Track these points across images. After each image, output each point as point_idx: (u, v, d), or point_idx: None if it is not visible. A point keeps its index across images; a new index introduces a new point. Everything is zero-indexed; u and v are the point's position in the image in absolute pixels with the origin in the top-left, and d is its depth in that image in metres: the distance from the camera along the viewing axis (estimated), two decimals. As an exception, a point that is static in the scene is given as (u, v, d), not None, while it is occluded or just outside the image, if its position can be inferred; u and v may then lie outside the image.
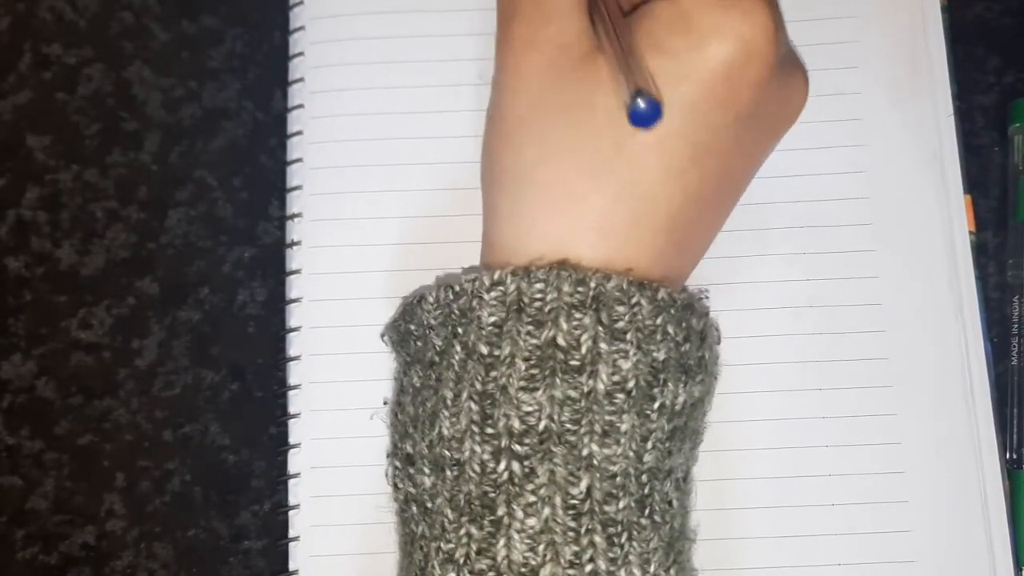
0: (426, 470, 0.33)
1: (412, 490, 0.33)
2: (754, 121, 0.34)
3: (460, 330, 0.33)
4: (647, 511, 0.32)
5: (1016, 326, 0.41)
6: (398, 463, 0.34)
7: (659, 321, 0.32)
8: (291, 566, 0.39)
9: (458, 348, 0.33)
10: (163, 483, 0.41)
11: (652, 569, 0.31)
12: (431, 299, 0.34)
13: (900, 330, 0.40)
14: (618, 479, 0.31)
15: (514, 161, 0.34)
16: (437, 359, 0.33)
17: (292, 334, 0.41)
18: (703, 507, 0.37)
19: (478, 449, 0.31)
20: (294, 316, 0.41)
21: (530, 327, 0.32)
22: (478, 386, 0.32)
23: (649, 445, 0.32)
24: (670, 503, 0.33)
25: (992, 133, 0.43)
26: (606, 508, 0.31)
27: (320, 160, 0.43)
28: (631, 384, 0.31)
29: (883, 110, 0.42)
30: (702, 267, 0.40)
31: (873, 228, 0.41)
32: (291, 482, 0.40)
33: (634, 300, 0.32)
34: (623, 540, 0.31)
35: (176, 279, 0.43)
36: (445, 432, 0.32)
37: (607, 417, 0.31)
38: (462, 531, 0.31)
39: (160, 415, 0.42)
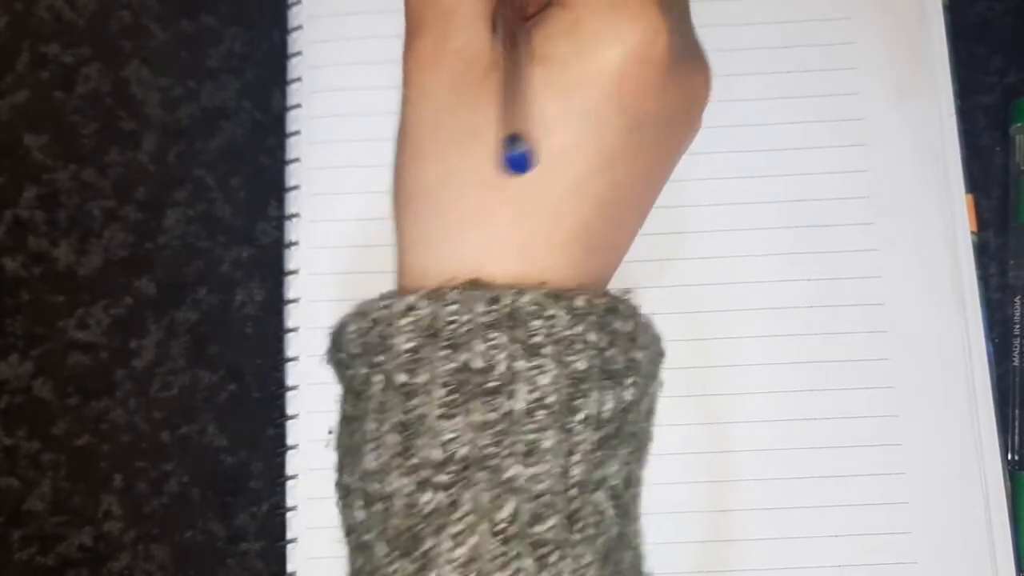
0: (359, 503, 0.32)
1: (351, 522, 0.33)
2: (657, 122, 0.33)
3: (379, 359, 0.32)
4: (579, 525, 0.31)
5: (1017, 327, 0.41)
6: (339, 494, 0.33)
7: (579, 330, 0.31)
8: (289, 568, 0.39)
9: (378, 378, 0.32)
10: (161, 484, 0.41)
11: None
12: (351, 328, 0.33)
13: (901, 330, 0.40)
14: (545, 497, 0.30)
15: (419, 180, 0.34)
16: (362, 388, 0.32)
17: (290, 335, 0.41)
18: (703, 508, 0.37)
19: (402, 481, 0.30)
20: (292, 317, 0.41)
21: (448, 351, 0.31)
22: (400, 416, 0.31)
23: (575, 459, 0.31)
24: (602, 514, 0.31)
25: (994, 133, 0.43)
26: (534, 529, 0.30)
27: (318, 160, 0.42)
28: (551, 399, 0.30)
29: (885, 110, 0.42)
30: (703, 267, 0.40)
31: (875, 228, 0.41)
32: (289, 483, 0.40)
33: (549, 313, 0.31)
34: (554, 559, 0.30)
35: (174, 279, 0.43)
36: (370, 466, 0.31)
37: (529, 436, 0.30)
38: (394, 567, 0.30)
39: (158, 416, 0.42)
